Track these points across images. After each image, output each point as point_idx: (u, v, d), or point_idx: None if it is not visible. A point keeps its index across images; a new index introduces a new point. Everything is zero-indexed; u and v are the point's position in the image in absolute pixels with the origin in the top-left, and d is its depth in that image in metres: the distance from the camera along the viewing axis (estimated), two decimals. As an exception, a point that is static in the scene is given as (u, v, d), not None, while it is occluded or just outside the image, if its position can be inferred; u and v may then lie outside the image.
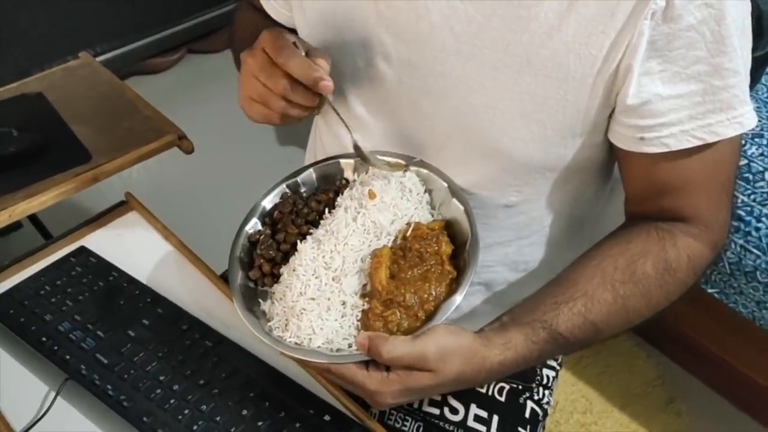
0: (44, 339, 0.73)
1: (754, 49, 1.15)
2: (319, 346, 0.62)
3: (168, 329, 0.74)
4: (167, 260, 0.85)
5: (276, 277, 0.68)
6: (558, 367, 0.89)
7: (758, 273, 1.12)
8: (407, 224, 0.67)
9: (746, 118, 0.62)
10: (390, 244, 0.66)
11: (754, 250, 1.11)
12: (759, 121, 1.14)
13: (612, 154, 0.72)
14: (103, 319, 0.75)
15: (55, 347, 0.72)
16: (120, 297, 0.78)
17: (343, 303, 0.63)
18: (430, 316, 0.62)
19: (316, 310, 0.62)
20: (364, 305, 0.63)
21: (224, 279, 0.91)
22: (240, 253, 0.71)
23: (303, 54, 0.64)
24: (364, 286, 0.64)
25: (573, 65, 0.62)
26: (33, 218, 1.48)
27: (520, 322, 0.64)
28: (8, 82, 1.08)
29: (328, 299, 0.63)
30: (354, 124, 0.75)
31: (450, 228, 0.69)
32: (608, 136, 0.68)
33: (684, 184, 0.66)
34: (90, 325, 0.74)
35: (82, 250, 0.84)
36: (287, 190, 0.75)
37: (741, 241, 1.12)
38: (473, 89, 0.67)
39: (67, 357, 0.71)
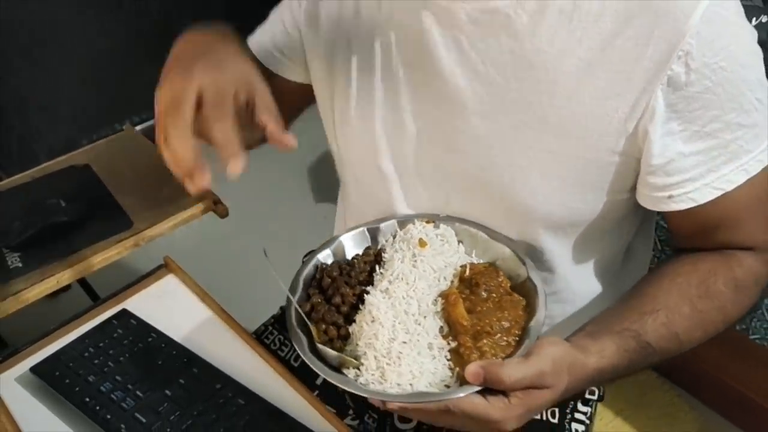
0: (87, 399, 0.76)
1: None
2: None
3: (203, 388, 0.77)
4: (203, 321, 0.89)
5: (344, 339, 0.68)
6: (588, 421, 0.89)
7: (796, 320, 1.10)
8: (461, 267, 0.70)
9: (750, 165, 0.65)
10: (453, 287, 0.68)
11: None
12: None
13: (635, 211, 0.75)
14: (142, 379, 0.78)
15: (98, 407, 0.75)
16: (158, 357, 0.81)
17: (430, 345, 0.63)
18: (519, 339, 0.63)
19: (412, 353, 0.62)
20: (450, 344, 0.63)
21: (256, 336, 0.95)
22: (296, 323, 0.69)
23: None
24: (441, 328, 0.65)
25: (591, 126, 0.65)
26: (81, 280, 1.55)
27: (610, 330, 0.65)
28: (59, 152, 1.16)
29: (418, 342, 0.63)
30: (381, 181, 0.79)
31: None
32: (639, 201, 0.71)
33: (730, 222, 0.69)
34: (130, 386, 0.78)
35: (124, 313, 0.88)
36: (322, 261, 0.77)
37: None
38: (494, 147, 0.70)
39: (108, 416, 0.74)
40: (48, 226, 0.94)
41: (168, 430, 0.73)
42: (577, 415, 0.88)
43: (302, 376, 0.81)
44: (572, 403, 0.88)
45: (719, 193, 0.66)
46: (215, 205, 0.99)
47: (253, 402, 0.76)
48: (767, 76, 0.65)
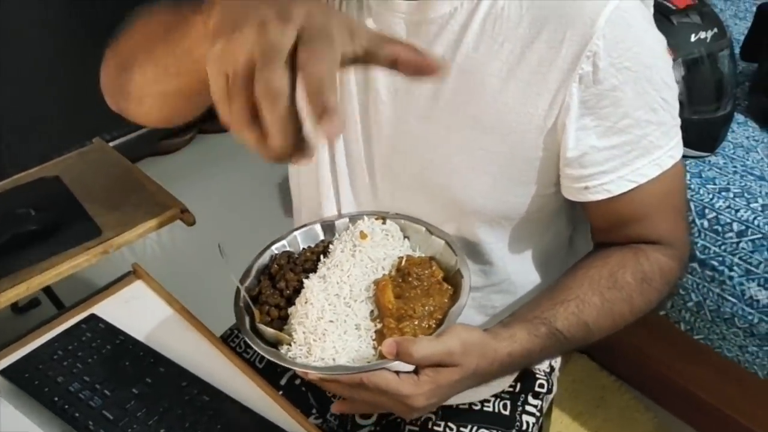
0: (56, 399, 0.79)
1: (716, 109, 1.25)
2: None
3: (169, 386, 0.80)
4: (170, 324, 0.92)
5: (284, 320, 0.73)
6: (538, 414, 0.93)
7: (736, 319, 1.17)
8: (399, 258, 0.75)
9: (662, 159, 0.71)
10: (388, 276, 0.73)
11: (730, 298, 1.16)
12: (725, 176, 1.22)
13: (569, 205, 0.80)
14: (109, 379, 0.81)
15: (66, 406, 0.78)
16: (125, 358, 0.84)
17: (357, 326, 0.68)
18: (440, 324, 0.68)
19: (337, 331, 0.67)
20: (376, 326, 0.68)
21: (223, 339, 0.98)
22: (243, 305, 0.75)
23: None
24: (372, 312, 0.70)
25: (515, 123, 0.71)
26: (49, 293, 1.56)
27: (522, 318, 0.70)
28: (29, 167, 1.18)
29: (345, 322, 0.68)
30: (331, 181, 0.84)
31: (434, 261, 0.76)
32: (562, 193, 0.76)
33: (642, 215, 0.75)
34: (98, 385, 0.80)
35: (92, 317, 0.91)
36: (275, 252, 0.82)
37: (717, 290, 1.18)
38: (432, 146, 0.75)
39: (77, 414, 0.77)
40: (17, 235, 0.96)
41: (135, 426, 0.76)
42: (528, 408, 0.92)
43: (267, 376, 0.85)
44: (523, 396, 0.92)
45: (633, 185, 0.71)
46: (182, 214, 1.02)
47: (218, 398, 0.79)
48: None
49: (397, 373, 0.64)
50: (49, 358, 0.85)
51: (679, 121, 0.73)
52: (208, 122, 2.62)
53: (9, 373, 0.83)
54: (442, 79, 0.72)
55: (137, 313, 0.94)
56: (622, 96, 0.68)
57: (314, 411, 0.94)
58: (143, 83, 0.68)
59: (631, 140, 0.70)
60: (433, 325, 0.68)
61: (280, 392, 0.89)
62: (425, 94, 0.74)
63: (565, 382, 0.97)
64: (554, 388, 0.94)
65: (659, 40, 0.71)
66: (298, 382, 0.95)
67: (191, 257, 1.93)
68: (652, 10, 0.73)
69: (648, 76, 0.68)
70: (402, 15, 0.73)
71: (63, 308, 1.56)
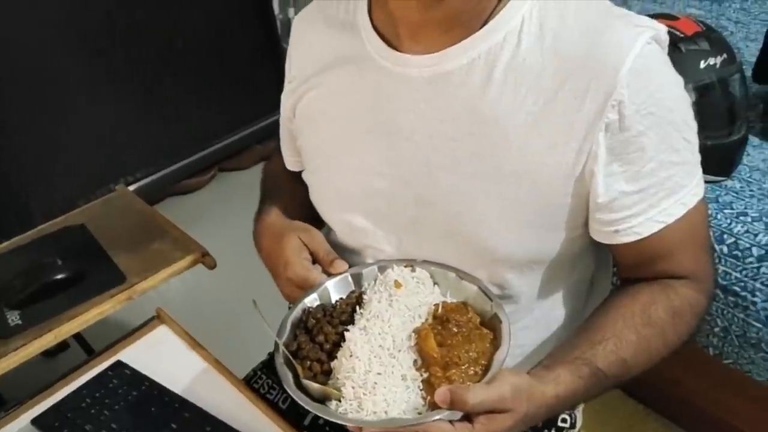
0: (85, 447, 0.81)
1: (729, 134, 1.25)
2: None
3: (194, 431, 0.82)
4: (194, 369, 0.94)
5: (327, 374, 0.73)
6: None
7: (763, 344, 1.15)
8: (434, 305, 0.75)
9: (687, 198, 0.72)
10: (426, 323, 0.74)
11: (755, 323, 1.14)
12: (742, 200, 1.22)
13: (592, 245, 0.81)
14: (136, 425, 0.83)
15: (94, 454, 0.80)
16: (151, 404, 0.86)
17: (403, 376, 0.68)
18: (485, 369, 0.68)
19: (386, 383, 0.67)
20: (422, 375, 0.68)
21: (246, 382, 1.00)
22: (284, 360, 0.74)
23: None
24: (415, 361, 0.70)
25: (542, 173, 0.72)
26: (78, 336, 1.59)
27: (563, 360, 0.71)
28: (56, 213, 1.22)
29: (392, 373, 0.68)
30: (360, 236, 0.85)
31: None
32: (591, 235, 0.77)
33: (669, 252, 0.75)
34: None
35: (119, 364, 0.93)
36: (308, 305, 0.81)
37: (742, 315, 1.16)
38: (457, 197, 0.76)
39: (105, 462, 0.79)
40: (45, 284, 0.99)
41: (161, 471, 0.77)
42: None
43: (290, 417, 0.86)
44: (546, 431, 0.92)
45: (661, 225, 0.72)
46: (203, 258, 1.04)
47: (242, 442, 0.80)
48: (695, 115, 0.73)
49: (451, 421, 0.64)
50: (77, 406, 0.87)
51: (699, 158, 0.74)
52: (228, 159, 2.68)
53: (40, 422, 0.85)
54: (467, 130, 0.74)
55: (162, 357, 0.96)
56: (648, 141, 0.69)
57: (338, 451, 0.95)
58: None
59: (657, 182, 0.71)
60: (479, 372, 0.68)
61: (303, 432, 0.90)
62: (450, 146, 0.75)
63: (591, 410, 0.96)
64: (578, 423, 0.94)
65: (678, 82, 0.72)
66: (321, 422, 0.95)
67: (215, 299, 1.95)
68: (667, 49, 0.74)
69: (671, 119, 0.70)
70: (418, 70, 0.75)
71: (91, 352, 1.60)
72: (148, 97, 2.39)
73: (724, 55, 1.19)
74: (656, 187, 0.71)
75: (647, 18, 0.72)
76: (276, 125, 0.98)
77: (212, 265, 1.04)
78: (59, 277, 1.00)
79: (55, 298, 0.99)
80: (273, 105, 0.99)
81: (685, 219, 0.73)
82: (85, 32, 2.17)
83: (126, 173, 2.36)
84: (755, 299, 1.13)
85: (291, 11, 2.80)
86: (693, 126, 0.73)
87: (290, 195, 0.96)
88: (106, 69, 2.27)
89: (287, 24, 2.82)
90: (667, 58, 0.73)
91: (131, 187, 2.35)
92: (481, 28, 0.72)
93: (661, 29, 0.71)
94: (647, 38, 0.68)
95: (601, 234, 0.75)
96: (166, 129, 2.48)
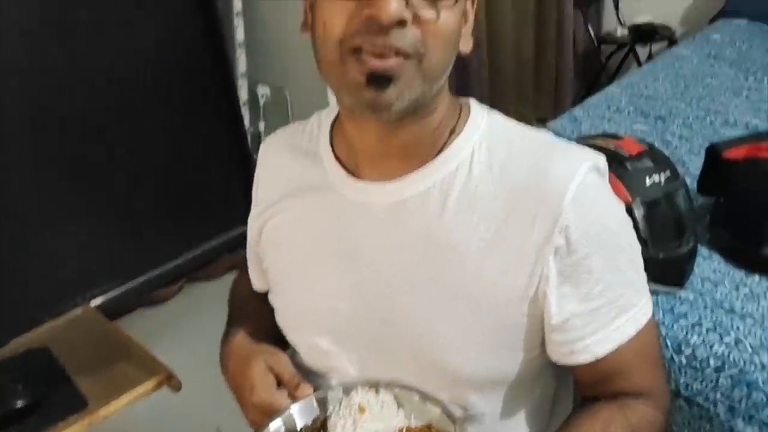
0: None
1: (678, 245, 1.30)
2: None
3: None
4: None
5: None
6: None
7: (729, 454, 1.16)
8: (399, 429, 0.76)
9: (637, 317, 0.76)
10: None
11: (719, 433, 1.16)
12: (696, 310, 1.26)
13: (552, 365, 0.83)
14: None
15: None
16: None
17: None
18: None
19: None
20: None
21: None
22: None
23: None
24: None
25: (498, 295, 0.75)
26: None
27: None
28: (19, 331, 1.20)
29: None
30: (324, 358, 0.86)
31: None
32: (549, 355, 0.79)
33: (623, 370, 0.77)
34: None
35: (76, 495, 0.91)
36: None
37: (707, 426, 1.17)
38: (418, 320, 0.78)
39: None
40: (4, 412, 0.97)
41: None
42: None
43: None
44: None
45: (615, 345, 0.75)
46: (168, 380, 1.04)
47: None
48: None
49: None
50: None
51: (645, 277, 0.78)
52: (196, 271, 2.67)
53: None
54: (424, 255, 0.77)
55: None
56: (595, 263, 0.73)
57: None
58: None
59: (607, 302, 0.74)
60: None
61: None
62: (409, 271, 0.78)
63: None
64: None
65: (619, 206, 0.78)
66: None
67: (180, 422, 1.89)
68: (607, 178, 0.79)
69: (615, 242, 0.75)
70: (378, 198, 0.79)
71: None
72: (116, 209, 2.38)
73: (668, 172, 1.26)
74: (607, 307, 0.74)
75: (586, 149, 0.78)
76: (246, 235, 0.99)
77: (177, 388, 1.04)
78: (20, 404, 0.99)
79: (16, 425, 0.97)
80: (242, 214, 1.00)
81: (637, 337, 0.76)
82: (51, 144, 2.18)
83: (93, 286, 2.33)
84: (718, 410, 1.15)
85: (261, 124, 2.90)
86: (637, 247, 0.78)
87: (257, 317, 0.97)
88: (74, 181, 2.26)
89: (257, 136, 2.91)
90: (608, 185, 0.78)
91: (98, 300, 2.31)
92: (435, 157, 0.77)
93: (599, 159, 0.77)
94: (587, 168, 0.74)
95: (558, 354, 0.78)
96: (135, 241, 2.46)
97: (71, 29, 2.07)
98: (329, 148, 0.85)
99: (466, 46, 0.76)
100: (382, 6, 0.63)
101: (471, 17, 0.76)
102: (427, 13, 0.66)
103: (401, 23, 0.65)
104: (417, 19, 0.66)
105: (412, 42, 0.66)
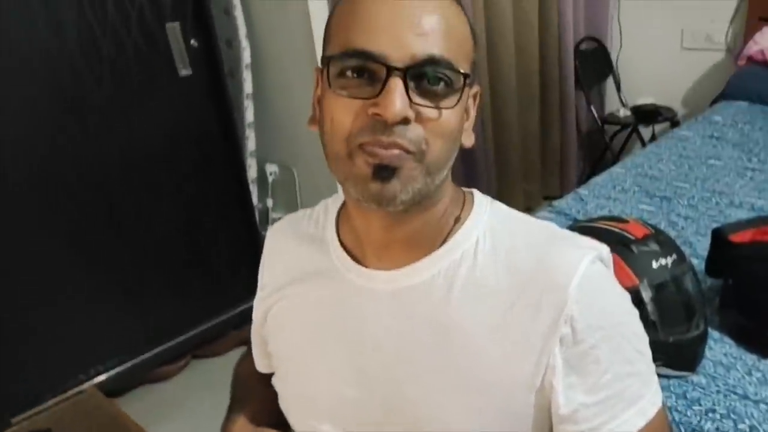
0: None
1: (688, 330, 1.29)
2: None
3: None
4: None
5: None
6: None
7: None
8: None
9: (646, 408, 0.74)
10: None
11: None
12: (709, 395, 1.24)
13: None
14: None
15: None
16: None
17: None
18: None
19: None
20: None
21: None
22: None
23: None
24: None
25: (504, 383, 0.74)
26: None
27: None
28: (23, 408, 1.19)
29: None
30: None
31: None
32: None
33: None
34: None
35: None
36: None
37: None
38: (423, 406, 0.78)
39: None
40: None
41: None
42: None
43: None
44: None
45: None
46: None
47: None
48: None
49: None
50: None
51: (653, 367, 0.77)
52: (202, 346, 2.65)
53: None
54: (430, 340, 0.77)
55: None
56: (601, 353, 0.73)
57: None
58: None
59: (615, 393, 0.73)
60: None
61: None
62: (415, 357, 0.78)
63: None
64: None
65: (625, 296, 0.78)
66: None
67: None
68: (612, 269, 0.80)
69: (620, 331, 0.74)
70: (383, 284, 0.80)
71: None
72: (123, 286, 2.41)
73: (674, 256, 1.27)
74: (615, 398, 0.73)
75: (589, 239, 0.79)
76: (252, 311, 0.99)
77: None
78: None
79: None
80: (249, 291, 1.01)
81: (646, 429, 0.74)
82: (58, 221, 2.20)
83: (97, 362, 2.32)
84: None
85: (269, 201, 2.95)
86: (643, 337, 0.77)
87: (260, 399, 0.96)
88: (81, 258, 2.28)
89: (265, 213, 2.95)
90: (612, 275, 0.79)
91: (102, 377, 2.29)
92: (440, 247, 0.79)
93: (602, 249, 0.78)
94: (591, 258, 0.75)
95: None
96: (141, 318, 2.47)
97: (89, 109, 2.16)
98: (335, 235, 0.86)
99: (468, 140, 0.79)
100: (388, 105, 0.66)
101: (473, 113, 0.79)
102: (430, 112, 0.69)
103: (405, 121, 0.68)
104: (420, 117, 0.69)
105: (415, 139, 0.69)
